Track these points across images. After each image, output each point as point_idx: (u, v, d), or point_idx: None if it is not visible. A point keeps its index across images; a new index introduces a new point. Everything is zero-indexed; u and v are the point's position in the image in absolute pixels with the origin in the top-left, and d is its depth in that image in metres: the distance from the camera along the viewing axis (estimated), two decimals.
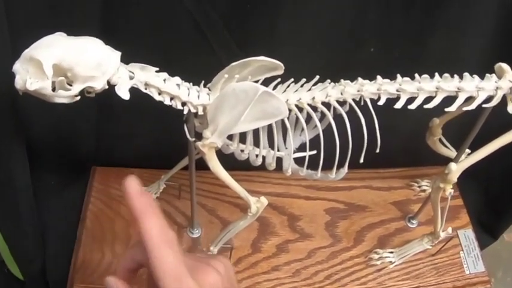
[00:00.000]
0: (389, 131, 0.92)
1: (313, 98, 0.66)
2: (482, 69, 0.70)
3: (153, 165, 0.95)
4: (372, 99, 0.66)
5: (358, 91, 0.66)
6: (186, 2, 0.72)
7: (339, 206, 0.95)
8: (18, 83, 0.51)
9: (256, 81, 0.64)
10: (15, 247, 0.84)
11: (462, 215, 0.99)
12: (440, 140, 0.86)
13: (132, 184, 0.44)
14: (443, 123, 0.83)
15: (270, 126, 0.67)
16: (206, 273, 0.45)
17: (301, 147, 0.72)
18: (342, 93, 0.66)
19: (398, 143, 0.97)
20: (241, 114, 0.62)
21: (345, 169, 0.71)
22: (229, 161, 0.71)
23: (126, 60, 0.57)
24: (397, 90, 0.66)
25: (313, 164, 0.70)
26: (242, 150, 0.70)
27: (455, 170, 0.76)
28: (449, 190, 0.78)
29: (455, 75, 0.68)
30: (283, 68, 0.65)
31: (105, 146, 0.93)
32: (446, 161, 0.81)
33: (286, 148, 0.72)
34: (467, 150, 0.83)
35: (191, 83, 0.63)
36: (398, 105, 0.67)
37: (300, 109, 0.67)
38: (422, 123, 0.85)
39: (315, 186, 0.96)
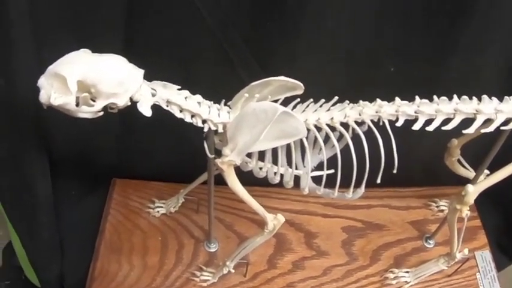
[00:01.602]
0: (409, 150, 0.93)
1: (332, 119, 0.67)
2: (502, 90, 0.70)
3: (173, 179, 0.97)
4: (390, 121, 0.67)
5: (377, 112, 0.67)
6: (208, 20, 0.74)
7: (356, 224, 0.95)
8: (43, 97, 0.53)
9: (276, 101, 0.65)
10: (33, 254, 0.86)
11: (480, 236, 0.98)
12: (458, 160, 0.86)
13: None
14: (461, 144, 0.83)
15: (288, 145, 0.68)
16: None
17: (320, 166, 0.73)
18: (360, 114, 0.67)
19: (418, 163, 0.97)
20: (261, 134, 0.63)
21: (362, 189, 0.71)
22: (248, 177, 0.72)
23: (147, 75, 0.59)
24: (416, 112, 0.67)
25: (331, 183, 0.70)
26: (260, 168, 0.71)
27: (472, 191, 0.75)
28: (466, 212, 0.77)
29: (474, 98, 0.68)
30: (303, 88, 0.66)
31: (126, 159, 0.95)
32: (465, 181, 0.81)
33: (305, 167, 0.73)
34: (486, 172, 0.83)
35: (212, 102, 0.65)
36: (417, 126, 0.67)
37: (319, 129, 0.67)
38: (442, 143, 0.85)
39: (333, 204, 0.96)
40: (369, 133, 0.67)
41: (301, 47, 0.79)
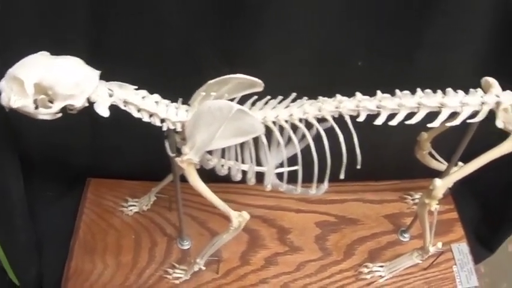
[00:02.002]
0: (384, 143, 0.93)
1: (291, 115, 0.66)
2: (472, 86, 0.69)
3: (147, 178, 0.97)
4: (351, 116, 0.67)
5: (336, 108, 0.66)
6: (174, 21, 0.74)
7: (330, 219, 0.95)
8: (4, 100, 0.54)
9: (233, 99, 0.65)
10: (11, 256, 0.86)
11: (457, 228, 0.97)
12: (430, 153, 0.86)
13: None
14: (431, 137, 0.83)
15: (252, 142, 0.68)
16: None
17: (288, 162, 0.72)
18: (319, 110, 0.66)
19: (393, 156, 0.97)
20: (217, 132, 0.63)
21: (325, 185, 0.71)
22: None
23: (115, 77, 0.60)
24: (377, 107, 0.66)
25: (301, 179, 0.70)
26: (222, 165, 0.71)
27: (440, 186, 0.75)
28: (435, 206, 0.77)
29: (439, 91, 0.68)
30: (263, 85, 0.66)
31: (101, 159, 0.95)
32: (441, 173, 0.80)
33: (269, 163, 0.72)
34: (460, 164, 0.82)
35: (170, 101, 0.65)
36: (379, 121, 0.66)
37: (278, 126, 0.67)
38: (417, 136, 0.85)
39: (306, 199, 0.96)
40: (332, 129, 0.66)
41: (268, 46, 0.78)
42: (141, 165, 0.95)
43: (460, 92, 0.68)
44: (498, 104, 0.68)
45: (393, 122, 0.67)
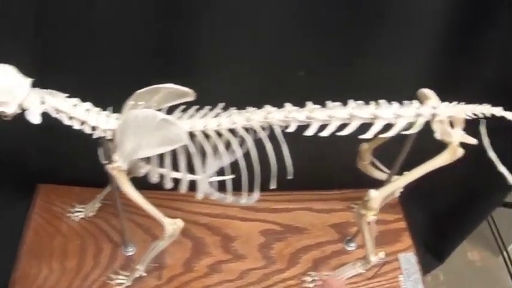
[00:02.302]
0: (333, 153, 0.94)
1: (219, 125, 0.67)
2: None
3: (97, 184, 0.97)
4: (281, 126, 0.67)
5: (265, 118, 0.67)
6: (122, 32, 0.75)
7: (276, 227, 0.95)
8: None
9: (160, 108, 0.66)
10: None
11: (404, 238, 0.98)
12: (373, 163, 0.86)
13: None
14: (372, 147, 0.83)
15: (183, 151, 0.68)
16: None
17: (223, 171, 0.72)
18: (248, 121, 0.67)
19: (342, 165, 0.97)
20: (143, 140, 0.64)
21: (256, 194, 0.71)
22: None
23: (49, 85, 0.61)
24: (307, 118, 0.67)
25: (239, 187, 0.70)
26: (153, 173, 0.71)
27: (375, 197, 0.75)
28: (371, 217, 0.77)
29: (372, 102, 0.69)
30: (194, 94, 0.67)
31: (51, 165, 0.95)
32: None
33: (204, 172, 0.73)
34: (405, 173, 0.83)
35: (101, 109, 0.66)
36: (309, 132, 0.67)
37: (207, 135, 0.68)
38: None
39: (253, 208, 0.96)
40: (270, 139, 0.66)
41: (209, 55, 0.79)
42: (91, 171, 0.95)
43: (395, 104, 0.69)
44: (434, 115, 0.69)
45: (324, 133, 0.67)
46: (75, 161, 0.94)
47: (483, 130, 0.70)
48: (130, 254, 0.90)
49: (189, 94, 0.67)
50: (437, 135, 0.70)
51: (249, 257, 0.91)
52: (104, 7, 0.72)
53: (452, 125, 0.70)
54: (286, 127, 0.67)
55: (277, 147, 0.66)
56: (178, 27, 0.75)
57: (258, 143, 0.67)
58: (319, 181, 1.00)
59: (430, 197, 1.03)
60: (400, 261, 0.95)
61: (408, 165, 0.77)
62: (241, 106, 0.68)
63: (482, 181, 0.94)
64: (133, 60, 0.78)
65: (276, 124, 0.67)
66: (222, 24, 0.76)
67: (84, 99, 0.64)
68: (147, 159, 0.70)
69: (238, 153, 0.67)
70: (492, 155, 0.69)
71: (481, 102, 0.72)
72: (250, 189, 0.71)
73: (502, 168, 0.70)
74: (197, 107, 0.68)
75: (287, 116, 0.67)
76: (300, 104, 0.68)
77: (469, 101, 0.72)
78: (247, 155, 0.68)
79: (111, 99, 0.66)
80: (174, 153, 0.69)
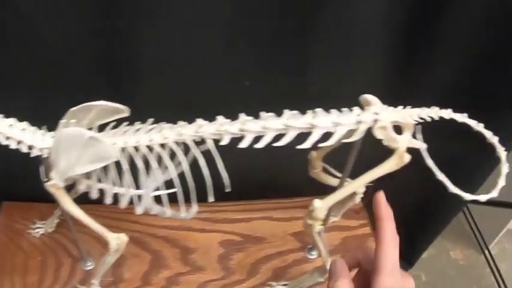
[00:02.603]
0: (293, 159, 0.93)
1: (151, 140, 0.67)
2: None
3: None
4: (215, 140, 0.67)
5: (196, 132, 0.66)
6: (49, 45, 0.75)
7: (235, 238, 0.95)
8: None
9: (91, 128, 0.66)
10: None
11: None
12: (326, 170, 0.85)
13: (382, 197, 0.58)
14: (322, 155, 0.83)
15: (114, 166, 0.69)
16: (407, 279, 0.55)
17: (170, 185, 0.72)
18: (180, 135, 0.67)
19: (301, 173, 0.97)
20: (75, 158, 0.64)
21: (194, 207, 0.71)
22: None
23: None
24: (240, 130, 0.66)
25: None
26: (92, 189, 0.72)
27: (319, 207, 0.74)
28: (318, 227, 0.76)
29: (309, 112, 0.68)
30: (128, 110, 0.67)
31: (15, 182, 0.97)
32: None
33: (147, 187, 0.73)
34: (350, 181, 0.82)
35: (36, 127, 0.67)
36: (243, 144, 0.66)
37: (138, 150, 0.68)
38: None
39: (211, 218, 0.96)
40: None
41: (151, 64, 0.80)
42: None
43: (334, 112, 0.68)
44: (376, 122, 0.68)
45: (259, 145, 0.67)
46: (37, 177, 0.95)
47: (419, 136, 0.69)
48: (89, 268, 0.90)
49: (122, 110, 0.68)
50: (384, 142, 0.70)
51: (208, 269, 0.90)
52: (41, 26, 0.73)
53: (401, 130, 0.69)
54: (220, 140, 0.67)
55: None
56: (117, 36, 0.76)
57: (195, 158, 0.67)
58: (279, 190, 1.00)
59: (395, 200, 1.02)
60: None
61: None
62: (185, 118, 0.68)
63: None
64: (72, 77, 0.78)
65: (208, 137, 0.66)
66: (165, 33, 0.76)
67: (24, 119, 0.65)
68: (87, 175, 0.71)
69: (172, 168, 0.68)
70: (429, 162, 0.67)
71: (440, 106, 0.71)
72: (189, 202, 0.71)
73: (441, 176, 0.68)
74: (127, 122, 0.68)
75: (219, 129, 0.66)
76: (250, 114, 0.68)
77: (426, 105, 0.71)
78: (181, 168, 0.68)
79: (52, 117, 0.66)
80: (110, 168, 0.69)
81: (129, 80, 0.81)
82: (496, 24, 0.79)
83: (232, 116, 0.67)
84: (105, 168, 0.69)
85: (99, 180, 0.71)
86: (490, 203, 1.26)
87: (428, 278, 1.21)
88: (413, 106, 0.70)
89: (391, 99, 0.69)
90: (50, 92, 0.80)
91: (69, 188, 0.72)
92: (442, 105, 0.71)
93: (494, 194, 0.70)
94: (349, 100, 0.69)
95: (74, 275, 0.89)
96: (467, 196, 0.65)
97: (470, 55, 0.85)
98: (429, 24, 0.82)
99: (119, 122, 0.69)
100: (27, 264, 0.91)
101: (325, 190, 1.01)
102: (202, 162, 0.66)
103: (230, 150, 0.65)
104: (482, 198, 0.68)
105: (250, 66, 0.81)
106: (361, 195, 0.94)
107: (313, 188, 1.02)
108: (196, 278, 0.89)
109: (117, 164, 0.68)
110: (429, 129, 0.70)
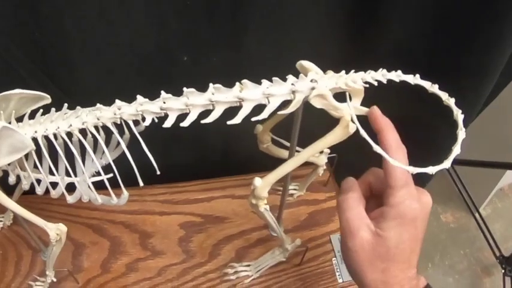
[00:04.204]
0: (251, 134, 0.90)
1: (70, 126, 0.64)
2: None
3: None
4: (135, 121, 0.64)
5: (115, 114, 0.63)
6: None
7: (195, 219, 0.91)
8: None
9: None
10: None
11: (338, 217, 0.92)
12: (277, 141, 0.81)
13: (377, 110, 0.60)
14: (268, 128, 0.78)
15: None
16: (424, 193, 0.59)
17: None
18: (98, 119, 0.63)
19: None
20: None
21: (125, 192, 0.68)
22: None
23: None
24: (162, 109, 0.62)
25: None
26: (21, 179, 0.70)
27: (261, 185, 0.70)
28: (263, 206, 0.72)
29: (237, 84, 0.63)
30: (49, 97, 0.65)
31: None
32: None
33: (83, 173, 0.71)
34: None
35: None
36: (167, 123, 0.63)
37: (59, 138, 0.65)
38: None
39: (170, 200, 0.93)
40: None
41: (88, 45, 0.76)
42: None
43: (265, 83, 0.63)
44: (313, 90, 0.63)
45: (185, 123, 0.63)
46: None
47: (351, 104, 0.63)
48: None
49: (43, 97, 0.65)
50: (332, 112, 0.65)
51: (167, 253, 0.88)
52: None
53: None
54: (142, 120, 0.63)
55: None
56: (41, 23, 0.73)
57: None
58: (239, 166, 0.96)
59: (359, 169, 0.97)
60: (333, 243, 0.90)
61: None
62: (122, 99, 0.64)
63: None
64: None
65: (129, 119, 0.63)
66: (102, 13, 0.72)
67: None
68: (16, 166, 0.69)
69: (89, 150, 0.65)
70: (363, 133, 0.61)
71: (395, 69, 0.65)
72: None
73: (378, 149, 0.61)
74: (41, 111, 0.65)
75: (138, 109, 0.62)
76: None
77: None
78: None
79: None
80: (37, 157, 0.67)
81: (61, 67, 0.78)
82: None
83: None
84: (34, 158, 0.66)
85: (23, 170, 0.69)
86: (478, 164, 1.20)
87: None
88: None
89: (339, 67, 0.64)
90: None
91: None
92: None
93: (446, 164, 0.63)
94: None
95: (34, 266, 0.88)
96: (412, 169, 0.59)
97: (425, 18, 0.79)
98: None
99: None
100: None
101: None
102: (124, 147, 0.64)
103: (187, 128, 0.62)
104: (430, 170, 0.61)
105: (183, 41, 0.77)
106: (324, 168, 0.89)
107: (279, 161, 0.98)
108: (156, 263, 0.87)
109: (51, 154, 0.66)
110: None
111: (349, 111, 0.64)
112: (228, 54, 0.80)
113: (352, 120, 0.64)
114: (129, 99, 0.62)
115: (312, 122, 0.69)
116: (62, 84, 0.79)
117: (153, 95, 0.62)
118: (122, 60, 0.79)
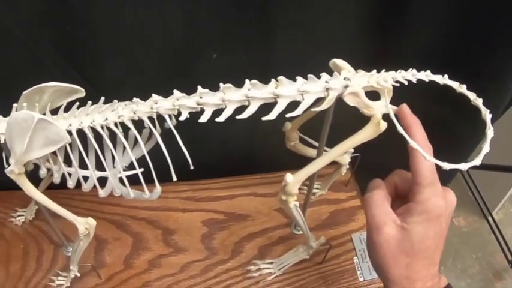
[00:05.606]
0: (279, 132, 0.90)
1: (106, 119, 0.64)
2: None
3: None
4: (171, 116, 0.64)
5: (152, 108, 0.63)
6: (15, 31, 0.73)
7: (218, 216, 0.92)
8: None
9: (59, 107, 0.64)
10: None
11: (359, 216, 0.93)
12: (304, 140, 0.81)
13: (407, 108, 0.61)
14: (297, 126, 0.79)
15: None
16: (449, 192, 0.61)
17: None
18: (134, 112, 0.64)
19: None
20: (28, 142, 0.62)
21: (158, 187, 0.69)
22: None
23: None
24: (198, 104, 0.63)
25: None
26: (52, 172, 0.70)
27: (292, 182, 0.70)
28: (294, 202, 0.73)
29: (273, 80, 0.64)
30: (83, 90, 0.65)
31: None
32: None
33: (114, 167, 0.71)
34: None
35: None
36: (203, 119, 0.63)
37: (95, 131, 0.65)
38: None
39: (193, 197, 0.93)
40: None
41: (116, 39, 0.77)
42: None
43: (300, 80, 0.63)
44: (346, 88, 0.63)
45: (221, 119, 0.63)
46: None
47: (387, 102, 0.64)
48: (70, 254, 0.88)
49: (78, 91, 0.66)
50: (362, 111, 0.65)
51: (190, 249, 0.88)
52: None
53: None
54: (178, 115, 0.64)
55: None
56: (72, 17, 0.73)
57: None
58: (264, 164, 0.97)
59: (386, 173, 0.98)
60: (354, 242, 0.91)
61: None
62: (150, 94, 0.64)
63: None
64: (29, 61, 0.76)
65: (165, 113, 0.63)
66: (120, 9, 0.73)
67: None
68: (47, 160, 0.69)
69: (126, 146, 0.65)
70: (400, 129, 0.62)
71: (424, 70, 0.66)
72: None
73: (415, 145, 0.62)
74: (77, 104, 0.65)
75: (175, 103, 0.63)
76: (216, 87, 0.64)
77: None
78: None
79: None
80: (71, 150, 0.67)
81: (89, 61, 0.78)
82: None
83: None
84: (66, 151, 0.66)
85: (55, 163, 0.69)
86: (492, 167, 1.21)
87: None
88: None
89: (367, 66, 0.65)
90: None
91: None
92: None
93: (477, 161, 0.64)
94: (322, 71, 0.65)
95: (56, 261, 0.88)
96: (445, 165, 0.60)
97: (450, 18, 0.80)
98: None
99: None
100: (10, 253, 0.89)
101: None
102: (160, 141, 0.64)
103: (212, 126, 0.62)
104: (463, 167, 0.62)
105: (213, 38, 0.78)
106: (347, 167, 0.90)
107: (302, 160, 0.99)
108: (179, 259, 0.87)
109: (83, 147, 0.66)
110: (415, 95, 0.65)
111: (384, 109, 0.65)
112: (257, 52, 0.80)
113: (384, 118, 0.65)
114: (159, 94, 0.63)
115: (338, 120, 0.70)
116: (90, 78, 0.79)
117: (181, 91, 0.62)
118: (151, 55, 0.79)
